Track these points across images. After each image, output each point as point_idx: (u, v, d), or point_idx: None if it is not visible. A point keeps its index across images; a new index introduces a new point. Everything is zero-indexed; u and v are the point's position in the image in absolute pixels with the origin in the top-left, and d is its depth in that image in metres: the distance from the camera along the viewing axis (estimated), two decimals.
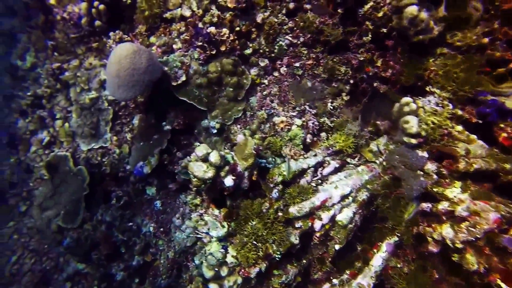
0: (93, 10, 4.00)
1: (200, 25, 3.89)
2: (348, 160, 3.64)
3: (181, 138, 4.19)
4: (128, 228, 4.35)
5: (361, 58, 3.71)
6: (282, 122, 3.70)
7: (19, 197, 6.26)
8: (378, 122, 3.75)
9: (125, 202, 4.42)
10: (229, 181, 2.84)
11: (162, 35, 4.05)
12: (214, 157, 2.74)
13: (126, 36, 4.10)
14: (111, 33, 4.08)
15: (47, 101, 5.51)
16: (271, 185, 3.25)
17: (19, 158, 5.85)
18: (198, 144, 3.95)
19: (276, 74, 4.00)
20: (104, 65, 4.58)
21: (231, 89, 3.82)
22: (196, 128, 4.13)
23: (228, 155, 2.98)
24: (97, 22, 4.08)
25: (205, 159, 2.79)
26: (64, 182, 4.62)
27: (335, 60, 3.83)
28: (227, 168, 2.87)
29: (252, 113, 3.92)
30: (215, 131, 3.86)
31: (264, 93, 3.96)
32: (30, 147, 5.67)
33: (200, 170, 2.73)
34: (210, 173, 2.74)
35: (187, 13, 3.94)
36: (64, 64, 5.06)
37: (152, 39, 4.10)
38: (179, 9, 3.97)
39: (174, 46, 4.00)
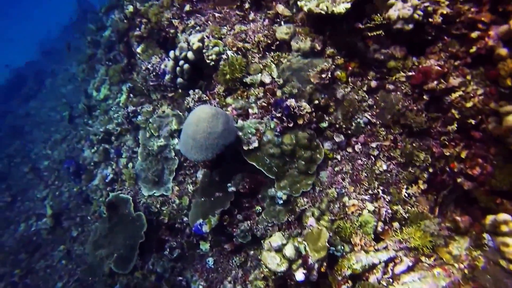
0: (178, 68, 4.19)
1: (279, 93, 3.94)
2: (423, 258, 3.36)
3: (243, 200, 4.15)
4: (177, 283, 4.30)
5: (444, 149, 3.52)
6: (353, 205, 3.54)
7: (73, 221, 6.53)
8: (458, 218, 3.47)
9: (178, 255, 4.40)
10: (300, 275, 2.70)
11: (240, 97, 4.13)
12: (289, 251, 2.64)
13: (204, 95, 4.23)
14: (191, 91, 4.24)
15: (116, 138, 5.80)
16: (339, 278, 3.05)
17: (81, 188, 6.14)
18: (264, 216, 3.88)
19: (350, 150, 3.89)
20: (176, 115, 4.75)
21: (303, 162, 3.75)
22: (260, 193, 4.08)
23: (301, 246, 2.86)
24: (179, 80, 4.26)
25: (279, 249, 2.69)
26: (121, 224, 4.72)
27: (414, 144, 3.67)
28: (299, 261, 2.74)
29: (321, 189, 3.81)
30: (281, 201, 3.78)
31: (336, 169, 3.85)
32: (93, 179, 5.95)
33: (273, 263, 2.63)
34: (283, 267, 2.63)
35: (267, 79, 4.02)
36: (138, 107, 5.33)
37: (229, 100, 4.20)
38: (260, 74, 4.06)
39: (250, 111, 4.05)
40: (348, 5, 3.32)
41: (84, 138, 7.44)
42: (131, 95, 5.56)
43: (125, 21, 5.50)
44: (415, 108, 3.57)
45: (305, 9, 3.54)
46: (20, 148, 10.21)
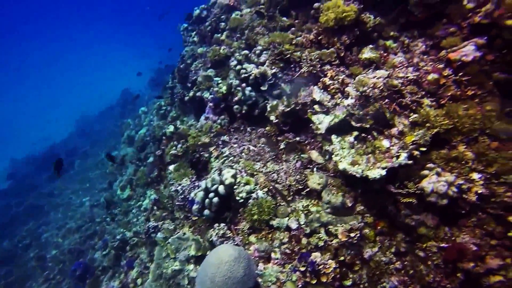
0: (207, 200, 4.28)
1: (304, 240, 3.85)
2: None
3: None
4: None
5: None
6: None
7: None
8: None
9: None
10: None
11: (264, 239, 4.06)
12: None
13: (229, 231, 4.20)
14: (216, 225, 4.24)
15: (131, 248, 5.69)
16: None
17: None
18: None
19: None
20: (196, 241, 4.67)
21: None
22: None
23: None
24: (207, 211, 4.31)
25: None
26: None
27: None
28: None
29: None
30: None
31: None
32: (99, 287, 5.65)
33: None
34: None
35: (294, 225, 3.99)
36: (159, 223, 5.34)
37: (253, 238, 4.14)
38: (287, 218, 4.05)
39: (273, 255, 3.93)
40: (383, 172, 3.44)
41: (98, 235, 7.35)
42: (155, 207, 5.64)
43: (164, 139, 5.92)
44: (448, 286, 3.34)
45: (340, 167, 3.69)
46: (34, 229, 10.18)
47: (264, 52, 5.44)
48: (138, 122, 10.60)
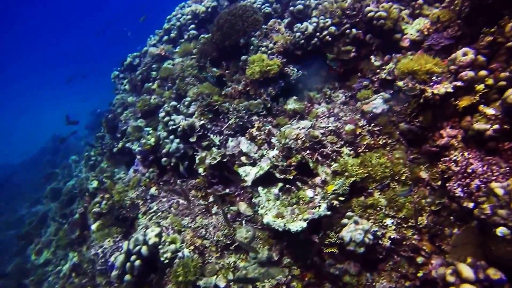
0: (128, 264, 3.93)
1: None
2: None
3: None
4: None
5: None
6: None
7: None
8: None
9: None
10: None
11: None
12: None
13: None
14: None
15: None
16: None
17: None
18: None
19: None
20: None
21: None
22: None
23: None
24: (127, 277, 3.93)
25: None
26: None
27: None
28: None
29: None
30: None
31: None
32: None
33: None
34: None
35: (222, 283, 3.80)
36: None
37: None
38: (215, 277, 3.86)
39: None
40: (305, 224, 3.49)
41: None
42: (73, 273, 5.03)
43: (86, 195, 5.47)
44: None
45: (264, 221, 3.68)
46: None
47: (193, 103, 5.47)
48: (67, 172, 9.76)
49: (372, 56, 4.96)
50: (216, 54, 6.09)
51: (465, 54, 3.45)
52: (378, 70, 4.87)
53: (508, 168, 2.96)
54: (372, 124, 4.26)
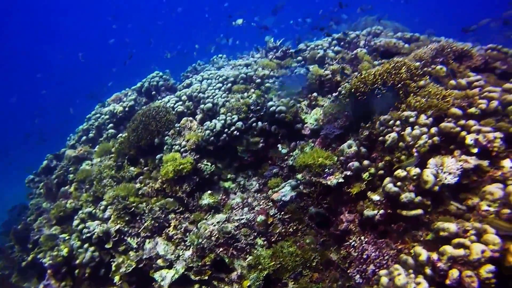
0: None
1: None
2: None
3: None
4: None
5: None
6: None
7: None
8: None
9: None
10: None
11: None
12: None
13: None
14: None
15: None
16: None
17: None
18: None
19: None
20: None
21: None
22: None
23: None
24: None
25: None
26: None
27: None
28: None
29: None
30: None
31: None
32: None
33: None
34: None
35: None
36: None
37: None
38: None
39: None
40: None
41: None
42: None
43: None
44: None
45: None
46: None
47: (109, 207, 5.29)
48: None
49: (279, 145, 5.44)
50: (133, 152, 6.15)
51: (350, 146, 3.98)
52: (286, 157, 5.31)
53: (395, 251, 3.23)
54: (282, 212, 4.48)
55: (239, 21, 8.98)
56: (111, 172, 6.01)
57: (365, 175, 3.61)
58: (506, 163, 2.78)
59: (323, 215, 4.28)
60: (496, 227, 2.30)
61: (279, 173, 5.25)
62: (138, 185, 5.63)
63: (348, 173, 3.77)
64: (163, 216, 4.93)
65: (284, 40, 8.40)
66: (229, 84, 6.44)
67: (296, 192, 4.60)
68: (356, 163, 3.72)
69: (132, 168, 5.97)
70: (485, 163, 2.83)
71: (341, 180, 3.72)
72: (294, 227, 4.35)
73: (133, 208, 5.11)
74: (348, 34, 7.26)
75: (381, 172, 3.50)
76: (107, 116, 7.23)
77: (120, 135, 6.62)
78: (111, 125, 7.11)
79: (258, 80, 6.49)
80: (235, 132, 5.33)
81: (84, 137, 7.34)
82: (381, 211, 3.32)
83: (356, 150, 3.82)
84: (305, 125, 5.38)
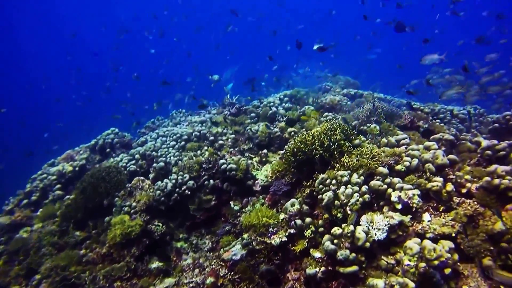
0: None
1: None
2: None
3: None
4: None
5: None
6: None
7: None
8: None
9: None
10: None
11: None
12: None
13: None
14: None
15: None
16: None
17: None
18: None
19: None
20: None
21: None
22: None
23: None
24: None
25: None
26: None
27: None
28: None
29: None
30: None
31: None
32: None
33: None
34: None
35: None
36: None
37: None
38: None
39: None
40: None
41: None
42: None
43: None
44: None
45: None
46: None
47: (44, 280, 4.87)
48: None
49: (231, 202, 5.50)
50: (81, 215, 5.87)
51: (293, 205, 4.14)
52: (238, 214, 5.35)
53: None
54: (233, 272, 4.41)
55: (215, 76, 9.48)
56: (53, 239, 5.62)
57: (307, 233, 3.74)
58: (425, 217, 3.07)
59: (273, 273, 4.27)
60: (500, 278, 2.49)
61: (232, 230, 5.24)
62: (83, 251, 5.31)
63: (292, 231, 3.89)
64: (107, 285, 4.63)
65: (240, 97, 8.91)
66: (183, 142, 6.57)
67: (246, 250, 4.58)
68: (298, 221, 3.87)
69: (77, 233, 5.65)
70: (407, 218, 3.10)
71: (284, 239, 3.82)
72: (245, 287, 4.27)
73: (73, 279, 4.75)
74: (299, 91, 7.93)
75: (321, 229, 3.67)
76: (54, 177, 6.93)
77: (67, 196, 6.34)
78: (58, 185, 6.80)
79: (212, 138, 6.70)
80: (186, 191, 5.35)
81: (25, 201, 6.88)
82: (322, 268, 3.41)
83: (299, 208, 3.99)
84: (256, 181, 5.54)
